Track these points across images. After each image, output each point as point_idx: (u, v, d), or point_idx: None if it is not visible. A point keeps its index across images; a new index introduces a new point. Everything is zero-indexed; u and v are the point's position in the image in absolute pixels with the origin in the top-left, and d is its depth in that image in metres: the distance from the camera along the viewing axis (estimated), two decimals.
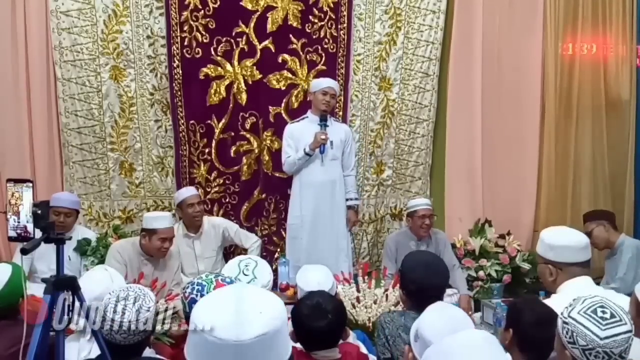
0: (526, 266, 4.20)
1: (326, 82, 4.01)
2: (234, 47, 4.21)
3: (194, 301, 1.87)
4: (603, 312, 1.45)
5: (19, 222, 1.72)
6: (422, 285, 2.17)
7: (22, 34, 3.97)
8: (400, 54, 4.49)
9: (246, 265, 2.33)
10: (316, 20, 4.32)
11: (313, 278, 2.52)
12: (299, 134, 3.99)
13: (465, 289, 3.92)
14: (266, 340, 1.08)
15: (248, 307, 1.11)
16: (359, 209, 4.38)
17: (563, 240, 2.19)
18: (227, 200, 4.36)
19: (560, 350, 1.52)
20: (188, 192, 3.98)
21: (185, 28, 4.11)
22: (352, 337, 2.41)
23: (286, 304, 2.56)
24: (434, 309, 1.77)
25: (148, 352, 2.06)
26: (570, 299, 1.65)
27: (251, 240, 4.10)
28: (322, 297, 2.07)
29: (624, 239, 3.80)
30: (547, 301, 2.12)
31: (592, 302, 1.49)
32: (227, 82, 4.25)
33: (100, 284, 2.13)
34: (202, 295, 1.86)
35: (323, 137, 3.88)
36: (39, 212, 1.71)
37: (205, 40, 4.16)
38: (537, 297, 2.65)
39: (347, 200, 4.08)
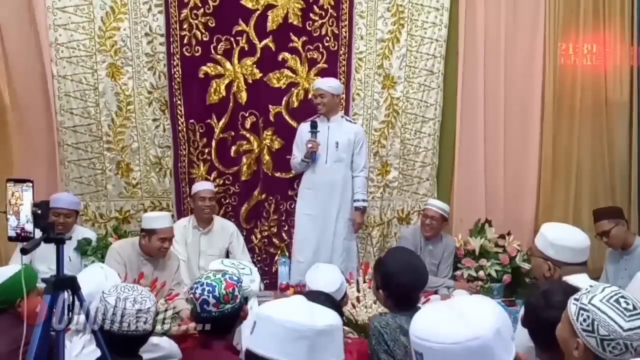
0: (526, 266, 4.17)
1: (315, 85, 3.99)
2: (234, 45, 4.18)
3: (206, 302, 1.85)
4: (626, 302, 1.38)
5: (19, 222, 1.70)
6: (408, 290, 2.12)
7: (19, 30, 3.92)
8: (404, 51, 4.44)
9: (232, 262, 2.34)
10: (317, 18, 4.28)
11: (321, 278, 2.53)
12: (305, 135, 3.95)
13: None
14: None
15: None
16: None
17: (567, 240, 2.13)
18: (227, 201, 4.32)
19: (567, 337, 1.45)
20: (203, 185, 3.98)
21: (185, 26, 4.08)
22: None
23: None
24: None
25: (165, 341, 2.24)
26: None
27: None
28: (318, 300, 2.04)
29: None
30: None
31: (612, 291, 1.41)
32: (227, 81, 4.21)
33: (94, 281, 2.13)
34: (214, 296, 1.85)
35: (310, 145, 3.85)
36: (39, 212, 1.69)
37: (205, 39, 4.13)
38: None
39: (354, 201, 4.01)
